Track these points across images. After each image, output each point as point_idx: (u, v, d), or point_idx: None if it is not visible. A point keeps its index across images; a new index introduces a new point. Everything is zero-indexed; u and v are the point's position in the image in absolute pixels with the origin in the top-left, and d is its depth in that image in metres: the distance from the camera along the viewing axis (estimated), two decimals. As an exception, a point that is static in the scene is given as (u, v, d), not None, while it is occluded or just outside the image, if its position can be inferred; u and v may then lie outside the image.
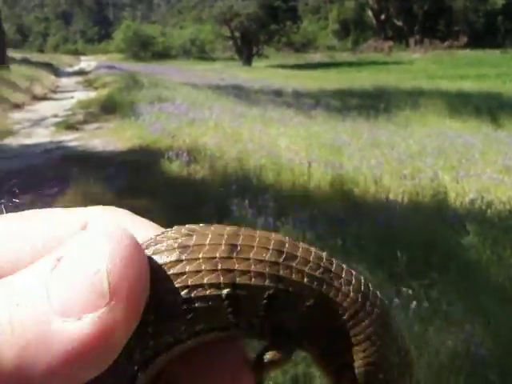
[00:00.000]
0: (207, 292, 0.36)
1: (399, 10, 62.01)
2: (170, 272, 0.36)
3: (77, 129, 12.78)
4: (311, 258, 0.38)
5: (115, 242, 0.33)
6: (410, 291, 4.05)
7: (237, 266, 0.37)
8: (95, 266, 0.32)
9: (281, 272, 0.36)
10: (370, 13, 66.16)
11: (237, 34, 58.48)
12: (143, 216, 0.45)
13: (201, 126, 10.17)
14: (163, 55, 66.11)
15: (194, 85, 19.97)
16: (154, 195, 6.93)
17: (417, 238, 5.12)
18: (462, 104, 15.78)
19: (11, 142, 11.32)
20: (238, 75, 29.05)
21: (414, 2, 61.24)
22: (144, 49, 67.04)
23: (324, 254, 0.39)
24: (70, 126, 13.03)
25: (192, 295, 0.36)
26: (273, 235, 0.39)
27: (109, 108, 14.64)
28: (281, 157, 8.12)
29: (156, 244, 0.38)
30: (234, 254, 0.38)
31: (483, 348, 3.46)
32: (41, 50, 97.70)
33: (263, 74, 32.91)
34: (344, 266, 0.40)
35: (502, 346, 3.48)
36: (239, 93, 18.02)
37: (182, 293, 0.36)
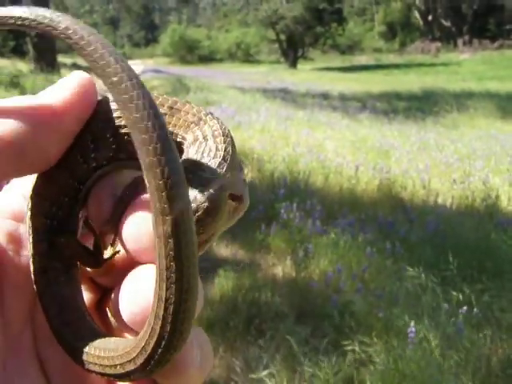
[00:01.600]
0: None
1: (447, 10, 61.04)
2: (113, 115, 0.49)
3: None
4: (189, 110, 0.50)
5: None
6: (461, 296, 4.02)
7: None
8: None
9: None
10: (416, 14, 65.31)
11: (282, 36, 58.54)
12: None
13: (248, 130, 10.24)
14: (209, 59, 66.73)
15: (240, 88, 20.09)
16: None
17: (468, 242, 5.07)
18: (513, 106, 15.44)
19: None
20: (284, 78, 29.09)
21: (463, 1, 60.24)
22: (190, 52, 67.71)
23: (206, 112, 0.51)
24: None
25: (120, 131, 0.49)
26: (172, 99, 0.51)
27: (157, 112, 14.80)
28: (328, 160, 8.12)
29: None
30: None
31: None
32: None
33: (309, 76, 32.87)
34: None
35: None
36: (285, 96, 18.06)
37: (113, 129, 0.49)
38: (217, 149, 0.48)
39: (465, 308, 3.76)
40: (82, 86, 0.49)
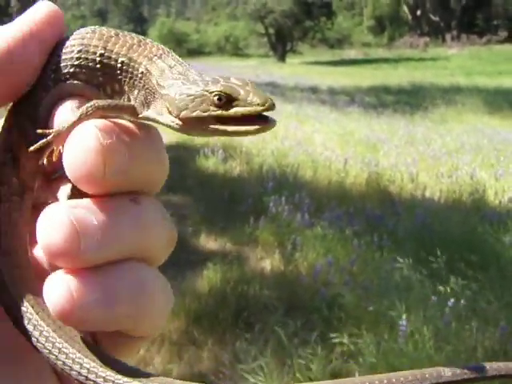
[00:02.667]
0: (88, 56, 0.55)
1: (436, 4, 61.14)
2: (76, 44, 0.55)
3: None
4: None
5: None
6: (448, 289, 4.05)
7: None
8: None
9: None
10: (405, 8, 65.37)
11: (271, 30, 58.38)
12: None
13: (236, 123, 10.21)
14: (198, 52, 66.47)
15: (228, 81, 19.96)
16: (190, 191, 7.02)
17: (455, 235, 5.10)
18: (501, 101, 15.52)
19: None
20: (273, 72, 29.05)
21: (452, -4, 60.37)
22: (179, 46, 67.35)
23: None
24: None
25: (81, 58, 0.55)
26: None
27: (145, 105, 14.77)
28: (317, 154, 8.13)
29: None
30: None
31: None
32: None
33: (298, 70, 32.84)
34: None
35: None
36: (274, 89, 18.04)
37: (73, 55, 0.55)
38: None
39: (452, 300, 3.79)
40: (54, 10, 0.55)
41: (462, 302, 3.83)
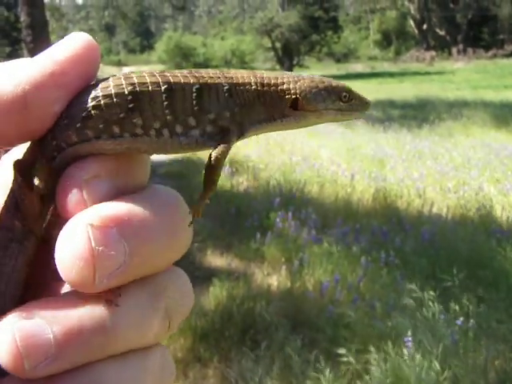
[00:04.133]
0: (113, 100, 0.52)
1: (442, 19, 61.31)
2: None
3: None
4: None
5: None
6: (457, 307, 4.00)
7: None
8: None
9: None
10: (411, 22, 65.54)
11: (278, 44, 58.65)
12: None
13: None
14: (204, 66, 66.70)
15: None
16: (196, 206, 6.99)
17: (462, 252, 5.06)
18: (508, 115, 15.47)
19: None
20: (279, 86, 29.09)
21: (458, 10, 60.52)
22: (185, 59, 67.65)
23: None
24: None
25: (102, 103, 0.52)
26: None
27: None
28: (323, 169, 8.11)
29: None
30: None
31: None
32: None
33: (304, 84, 32.84)
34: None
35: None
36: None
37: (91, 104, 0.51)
38: None
39: (461, 319, 3.75)
40: (87, 45, 0.50)
41: (472, 321, 3.79)
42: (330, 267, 4.85)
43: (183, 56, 67.98)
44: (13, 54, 35.38)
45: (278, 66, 59.39)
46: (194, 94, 0.56)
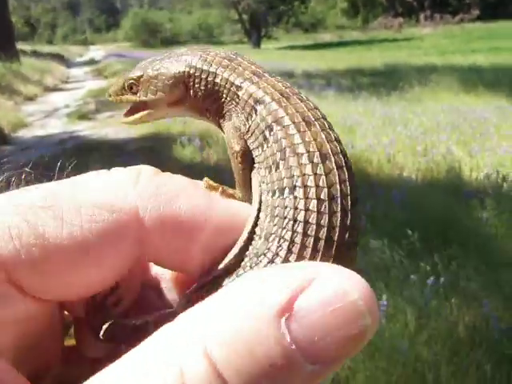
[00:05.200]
0: None
1: (408, -15, 61.23)
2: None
3: (89, 118, 12.85)
4: None
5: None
6: (428, 267, 4.05)
7: None
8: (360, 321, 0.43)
9: None
10: (378, -11, 65.38)
11: (245, 16, 58.09)
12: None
13: (212, 111, 10.15)
14: (172, 41, 65.95)
15: (204, 70, 19.88)
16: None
17: (433, 213, 5.11)
18: (475, 78, 15.58)
19: (26, 134, 11.40)
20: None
21: (424, -24, 60.47)
22: (152, 36, 66.86)
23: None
24: (82, 115, 13.10)
25: None
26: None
27: (120, 96, 14.65)
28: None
29: None
30: None
31: (502, 323, 3.45)
32: (50, 42, 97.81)
33: (273, 55, 32.73)
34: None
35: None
36: (249, 76, 17.90)
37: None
38: None
39: (432, 278, 3.79)
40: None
41: (442, 279, 3.84)
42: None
43: (150, 32, 67.13)
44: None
45: (246, 39, 58.93)
46: None
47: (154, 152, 8.15)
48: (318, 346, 0.41)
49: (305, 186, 0.54)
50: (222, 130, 0.65)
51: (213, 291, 0.46)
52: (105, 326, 0.56)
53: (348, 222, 0.54)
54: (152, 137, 9.22)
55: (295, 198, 0.54)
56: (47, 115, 13.86)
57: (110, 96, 0.71)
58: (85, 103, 15.31)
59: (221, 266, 0.56)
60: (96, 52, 52.85)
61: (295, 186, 0.55)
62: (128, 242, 0.51)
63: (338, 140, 0.58)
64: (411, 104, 12.35)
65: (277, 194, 0.56)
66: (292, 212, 0.54)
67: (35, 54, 32.03)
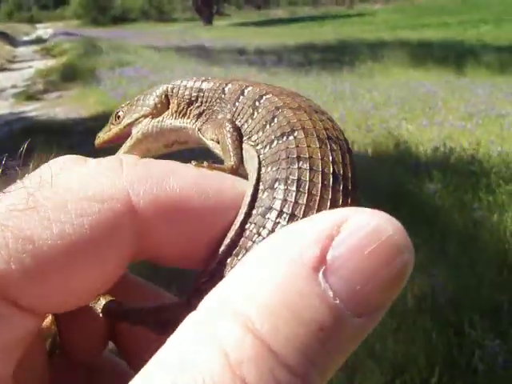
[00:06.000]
0: None
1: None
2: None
3: (37, 99, 12.54)
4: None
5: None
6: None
7: None
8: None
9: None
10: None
11: (196, -7, 57.26)
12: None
13: (163, 89, 10.04)
14: (122, 19, 64.59)
15: (155, 47, 19.64)
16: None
17: (381, 185, 5.19)
18: (425, 53, 15.80)
19: (-30, 116, 11.07)
20: (200, 36, 28.62)
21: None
22: (102, 13, 65.32)
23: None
24: (30, 96, 12.77)
25: None
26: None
27: (69, 76, 14.35)
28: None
29: None
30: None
31: (447, 290, 3.55)
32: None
33: (225, 33, 32.43)
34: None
35: (464, 288, 3.58)
36: (201, 53, 17.79)
37: None
38: None
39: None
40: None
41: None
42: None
43: (100, 9, 65.55)
44: None
45: (197, 16, 58.20)
46: None
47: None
48: (362, 295, 0.39)
49: (303, 128, 0.54)
50: (203, 137, 0.66)
51: (225, 272, 0.45)
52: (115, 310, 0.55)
53: (348, 160, 0.54)
54: (103, 116, 9.06)
55: (295, 137, 0.54)
56: (-7, 96, 13.47)
57: (98, 138, 0.77)
58: (33, 83, 14.93)
59: (224, 244, 0.52)
60: (43, 30, 51.38)
61: (294, 130, 0.54)
62: (126, 231, 0.46)
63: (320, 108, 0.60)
64: (362, 79, 12.46)
65: (275, 143, 0.55)
66: (295, 150, 0.53)
67: (2, 34, 30.99)
